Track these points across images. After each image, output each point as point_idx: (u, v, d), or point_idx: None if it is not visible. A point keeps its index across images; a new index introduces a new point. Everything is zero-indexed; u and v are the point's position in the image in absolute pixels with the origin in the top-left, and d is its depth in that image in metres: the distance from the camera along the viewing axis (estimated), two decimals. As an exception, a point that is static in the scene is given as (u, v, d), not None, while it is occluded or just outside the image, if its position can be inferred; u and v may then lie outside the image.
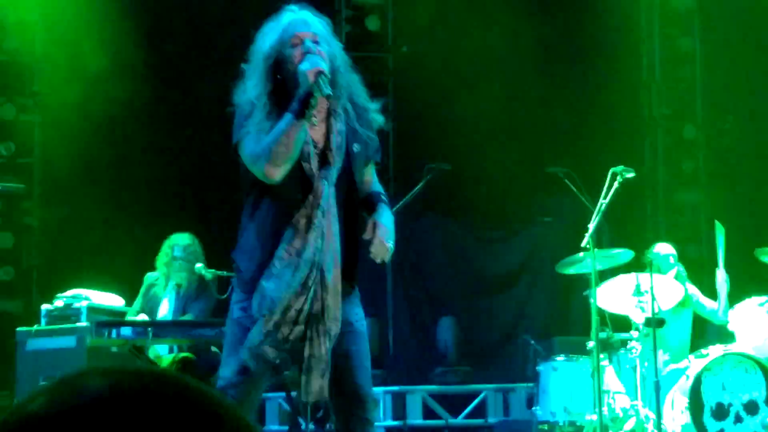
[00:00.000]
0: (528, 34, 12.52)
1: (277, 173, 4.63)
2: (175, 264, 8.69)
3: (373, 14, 12.08)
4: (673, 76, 12.99)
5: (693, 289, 9.15)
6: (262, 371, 4.76)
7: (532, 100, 12.41)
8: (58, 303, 8.30)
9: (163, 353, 8.49)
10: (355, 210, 4.90)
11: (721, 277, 8.78)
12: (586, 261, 8.01)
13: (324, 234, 4.69)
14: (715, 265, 8.87)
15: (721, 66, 12.62)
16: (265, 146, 4.62)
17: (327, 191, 4.72)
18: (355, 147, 4.84)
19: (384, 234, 4.76)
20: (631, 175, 7.97)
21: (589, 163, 10.61)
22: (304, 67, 4.62)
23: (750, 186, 11.96)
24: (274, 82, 4.77)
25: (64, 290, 8.47)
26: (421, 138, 11.92)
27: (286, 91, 4.74)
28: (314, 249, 4.68)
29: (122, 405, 1.09)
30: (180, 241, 8.85)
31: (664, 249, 9.27)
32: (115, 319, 7.89)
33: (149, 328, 7.44)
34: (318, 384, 4.73)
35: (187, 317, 8.44)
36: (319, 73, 4.59)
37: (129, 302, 8.70)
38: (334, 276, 4.71)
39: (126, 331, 7.43)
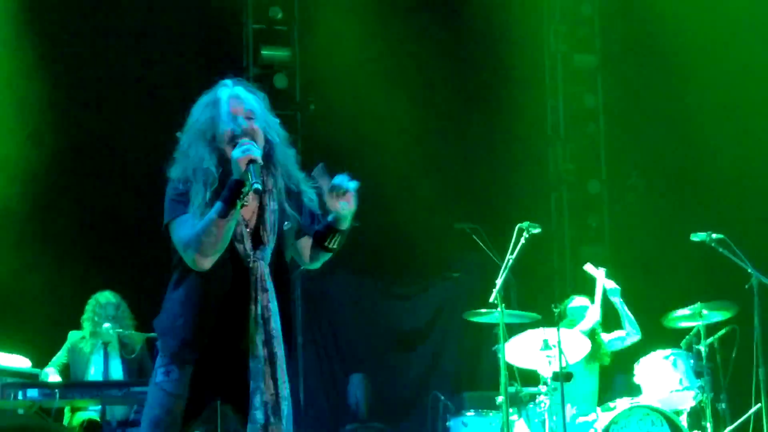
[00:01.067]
0: (436, 92, 12.64)
1: (207, 263, 4.59)
2: (108, 326, 8.62)
3: (281, 72, 12.11)
4: (577, 132, 13.17)
5: (604, 336, 9.25)
6: None
7: (440, 157, 12.48)
8: (-38, 366, 8.17)
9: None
10: (287, 288, 4.88)
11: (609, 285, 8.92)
12: (494, 313, 8.07)
13: (272, 315, 4.69)
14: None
15: (625, 122, 12.82)
16: (194, 236, 4.55)
17: (265, 272, 4.71)
18: (286, 225, 4.84)
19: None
20: (537, 230, 8.07)
21: (496, 218, 10.71)
22: (236, 154, 4.57)
23: (654, 240, 12.12)
24: (218, 153, 4.75)
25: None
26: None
27: (224, 166, 4.72)
28: (266, 333, 4.67)
29: None
30: (110, 299, 8.79)
31: (581, 302, 9.40)
32: (23, 381, 7.78)
33: (56, 390, 7.35)
34: None
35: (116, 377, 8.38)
36: (251, 161, 4.52)
37: (36, 363, 8.57)
38: (279, 357, 4.71)
39: (33, 392, 7.33)
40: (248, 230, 4.72)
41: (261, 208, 4.77)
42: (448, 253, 12.03)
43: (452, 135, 12.72)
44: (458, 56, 12.80)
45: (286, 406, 4.71)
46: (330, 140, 11.90)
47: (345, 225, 4.89)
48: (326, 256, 5.02)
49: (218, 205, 4.53)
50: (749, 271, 8.36)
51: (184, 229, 4.60)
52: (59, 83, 10.67)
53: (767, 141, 11.10)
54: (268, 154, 4.78)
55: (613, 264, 10.39)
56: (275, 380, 4.67)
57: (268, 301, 4.66)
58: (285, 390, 4.71)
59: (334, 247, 4.94)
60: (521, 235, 8.01)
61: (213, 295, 4.68)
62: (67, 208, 10.80)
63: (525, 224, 8.04)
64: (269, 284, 4.67)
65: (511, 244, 8.02)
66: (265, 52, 12.08)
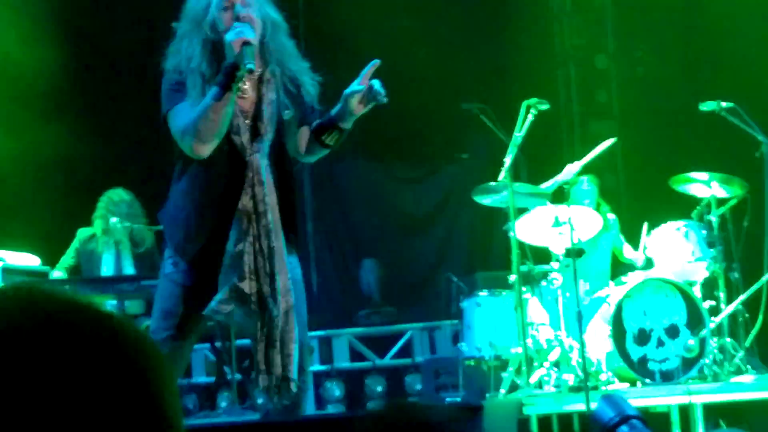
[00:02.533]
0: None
1: (205, 150, 4.58)
2: (116, 220, 8.60)
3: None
4: (583, 6, 13.01)
5: (614, 222, 9.24)
6: (190, 324, 4.75)
7: (445, 37, 12.37)
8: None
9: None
10: (289, 181, 4.84)
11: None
12: (501, 193, 8.02)
13: (268, 209, 4.65)
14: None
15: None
16: (191, 122, 4.55)
17: (262, 165, 4.67)
18: (285, 114, 4.79)
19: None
20: (544, 107, 7.99)
21: (504, 97, 10.61)
22: (230, 37, 4.53)
23: (663, 114, 12.04)
24: (211, 46, 4.70)
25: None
26: (334, 81, 11.84)
27: (218, 57, 4.68)
28: (261, 227, 4.64)
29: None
30: (122, 196, 8.75)
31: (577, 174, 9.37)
32: (32, 279, 7.79)
33: (66, 287, 7.35)
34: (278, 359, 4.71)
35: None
36: (245, 43, 4.50)
37: (45, 262, 8.57)
38: (277, 250, 4.69)
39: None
40: (246, 122, 4.68)
41: (259, 99, 4.73)
42: (456, 134, 11.97)
43: (457, 15, 12.57)
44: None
45: (286, 299, 4.69)
46: (333, 24, 11.78)
47: (348, 125, 4.84)
48: (322, 152, 4.98)
49: (214, 89, 4.50)
50: (759, 138, 8.29)
51: (181, 117, 4.58)
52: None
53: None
54: (265, 43, 4.73)
55: (622, 138, 10.33)
56: (271, 274, 4.65)
57: (264, 195, 4.62)
58: (279, 282, 4.68)
59: (331, 144, 4.90)
60: (528, 112, 7.93)
61: (213, 188, 4.68)
62: (74, 106, 10.74)
63: (532, 101, 7.95)
64: (265, 177, 4.63)
65: (519, 122, 7.95)
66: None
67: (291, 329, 4.69)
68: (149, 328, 4.82)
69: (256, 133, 4.71)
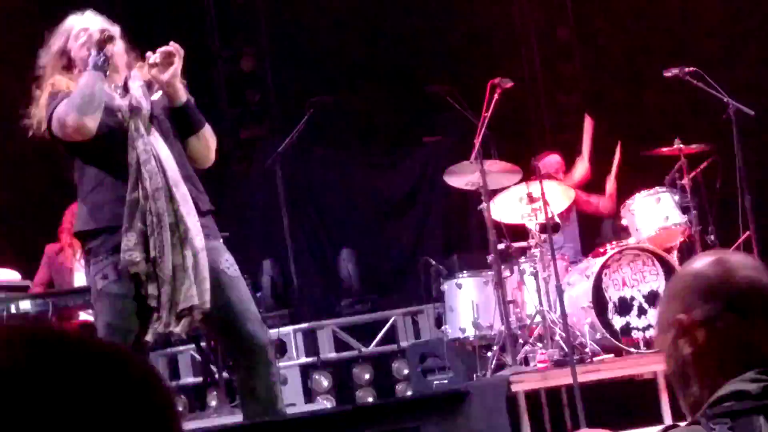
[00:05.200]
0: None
1: (90, 121, 4.80)
2: None
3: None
4: (540, -20, 13.03)
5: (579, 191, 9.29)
6: (137, 333, 4.78)
7: (406, 21, 12.36)
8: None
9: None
10: (174, 133, 5.03)
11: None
12: (474, 174, 8.05)
13: (158, 170, 4.79)
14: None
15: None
16: (72, 103, 4.79)
17: (139, 124, 4.85)
18: (156, 95, 5.01)
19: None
20: (509, 84, 8.03)
21: (469, 78, 10.64)
22: (92, 32, 4.98)
23: (628, 82, 12.08)
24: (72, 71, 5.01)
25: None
26: (300, 73, 11.84)
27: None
28: (154, 190, 4.76)
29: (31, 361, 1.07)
30: None
31: (551, 156, 9.46)
32: (14, 294, 7.77)
33: (49, 299, 7.35)
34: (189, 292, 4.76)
35: None
36: (104, 30, 4.93)
37: (25, 276, 8.55)
38: (182, 193, 4.83)
39: (26, 304, 7.33)
40: (123, 101, 4.90)
41: (125, 87, 5.01)
42: (424, 117, 11.98)
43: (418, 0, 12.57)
44: None
45: (197, 235, 4.79)
46: (295, 17, 11.78)
47: (181, 96, 5.01)
48: (199, 144, 5.08)
49: (88, 72, 4.87)
50: (725, 100, 8.34)
51: (61, 105, 4.79)
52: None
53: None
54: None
55: (590, 109, 10.36)
56: (175, 211, 4.81)
57: (146, 144, 4.77)
58: (189, 222, 4.80)
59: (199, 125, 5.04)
60: (494, 92, 7.97)
61: (109, 174, 4.81)
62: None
63: (496, 79, 7.98)
64: (154, 134, 4.84)
65: (485, 101, 7.98)
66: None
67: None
68: None
69: (133, 109, 5.01)
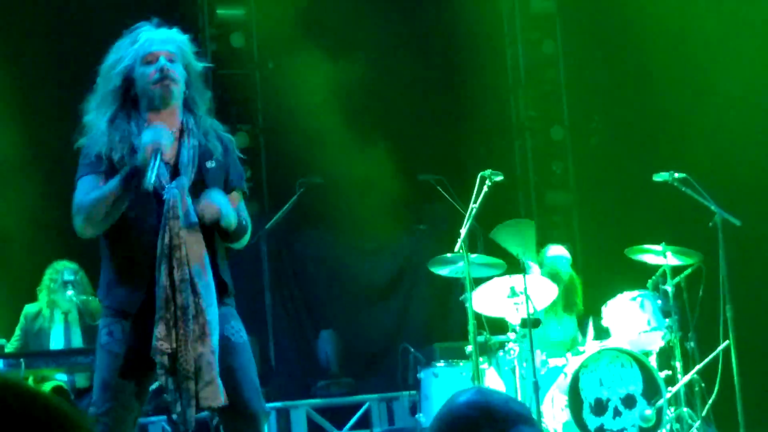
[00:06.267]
0: (394, 45, 12.57)
1: (91, 231, 4.65)
2: (62, 290, 8.53)
3: (237, 31, 12.03)
4: (538, 79, 13.15)
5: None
6: (131, 394, 4.70)
7: (401, 109, 12.45)
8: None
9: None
10: (214, 228, 4.81)
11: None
12: (458, 264, 8.05)
13: (182, 242, 4.64)
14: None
15: (585, 67, 12.80)
16: (86, 203, 4.64)
17: (179, 200, 4.66)
18: (209, 164, 4.81)
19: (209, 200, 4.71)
20: (499, 178, 8.04)
21: (461, 168, 10.69)
22: (146, 138, 4.55)
23: (618, 184, 12.14)
24: (123, 100, 4.72)
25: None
26: (292, 152, 11.89)
27: (137, 109, 4.72)
28: (174, 260, 4.63)
29: None
30: (67, 264, 8.69)
31: (558, 251, 9.44)
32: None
33: (21, 359, 7.30)
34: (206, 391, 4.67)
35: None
36: (156, 150, 4.51)
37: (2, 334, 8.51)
38: (205, 284, 4.67)
39: (-3, 364, 7.29)
40: (166, 163, 4.70)
41: (180, 144, 4.76)
42: (413, 205, 12.02)
43: (412, 87, 12.67)
44: (415, 10, 12.75)
45: (215, 331, 4.68)
46: (289, 98, 11.84)
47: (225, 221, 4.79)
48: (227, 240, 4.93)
49: (112, 183, 4.54)
50: (713, 208, 8.37)
51: (80, 192, 4.64)
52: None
53: (723, 80, 11.09)
54: (188, 94, 4.78)
55: (579, 208, 10.41)
56: (182, 307, 4.62)
57: (179, 228, 4.62)
58: (209, 316, 4.66)
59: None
60: (484, 184, 7.98)
61: (134, 231, 4.66)
62: (21, 183, 10.69)
63: (487, 172, 8.00)
64: (181, 213, 4.63)
65: (474, 193, 8.00)
66: (220, 12, 11.99)
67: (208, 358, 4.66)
68: (92, 402, 4.76)
69: (175, 174, 4.74)
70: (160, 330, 4.59)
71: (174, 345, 4.60)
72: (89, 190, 4.64)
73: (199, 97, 4.85)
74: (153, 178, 4.45)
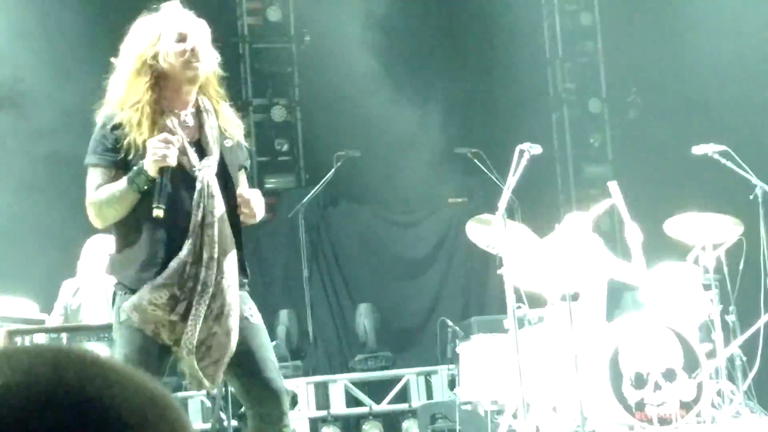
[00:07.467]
0: (432, 17, 12.54)
1: (102, 226, 4.69)
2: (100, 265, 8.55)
3: (274, 5, 12.02)
4: (575, 51, 13.09)
5: (608, 257, 9.22)
6: (153, 368, 4.71)
7: (439, 83, 12.42)
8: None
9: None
10: (235, 202, 4.83)
11: (631, 231, 8.74)
12: (498, 237, 8.02)
13: (215, 221, 4.67)
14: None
15: (622, 39, 12.73)
16: (96, 200, 4.65)
17: (212, 180, 4.69)
18: (227, 143, 4.83)
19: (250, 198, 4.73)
20: (537, 151, 7.99)
21: (498, 142, 10.66)
22: (156, 149, 4.54)
23: (656, 157, 12.08)
24: (151, 78, 4.72)
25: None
26: (329, 126, 11.88)
27: (159, 88, 4.71)
28: (206, 237, 4.65)
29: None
30: (107, 239, 8.69)
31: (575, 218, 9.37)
32: (29, 327, 7.75)
33: (63, 334, 7.33)
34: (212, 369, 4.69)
35: None
36: (165, 168, 4.53)
37: (44, 308, 8.54)
38: (222, 262, 4.69)
39: (39, 338, 7.32)
40: (190, 142, 4.71)
41: (200, 125, 4.78)
42: (450, 178, 11.99)
43: (450, 61, 12.64)
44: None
45: (233, 312, 4.70)
46: (326, 72, 11.83)
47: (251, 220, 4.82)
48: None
49: (120, 187, 4.56)
50: (753, 181, 8.31)
51: (90, 185, 4.67)
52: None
53: (765, 51, 11.00)
54: (207, 83, 4.80)
55: (617, 181, 10.32)
56: (218, 283, 4.65)
57: (214, 207, 4.64)
58: (229, 296, 4.69)
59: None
60: (522, 157, 7.93)
61: (160, 220, 4.67)
62: (68, 152, 10.72)
63: (525, 145, 7.96)
64: (217, 191, 4.66)
65: (512, 166, 7.95)
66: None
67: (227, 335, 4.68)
68: None
69: (201, 153, 4.75)
70: (156, 296, 4.61)
71: (175, 318, 4.63)
72: (98, 185, 4.67)
73: (215, 80, 4.88)
74: (162, 203, 4.52)
